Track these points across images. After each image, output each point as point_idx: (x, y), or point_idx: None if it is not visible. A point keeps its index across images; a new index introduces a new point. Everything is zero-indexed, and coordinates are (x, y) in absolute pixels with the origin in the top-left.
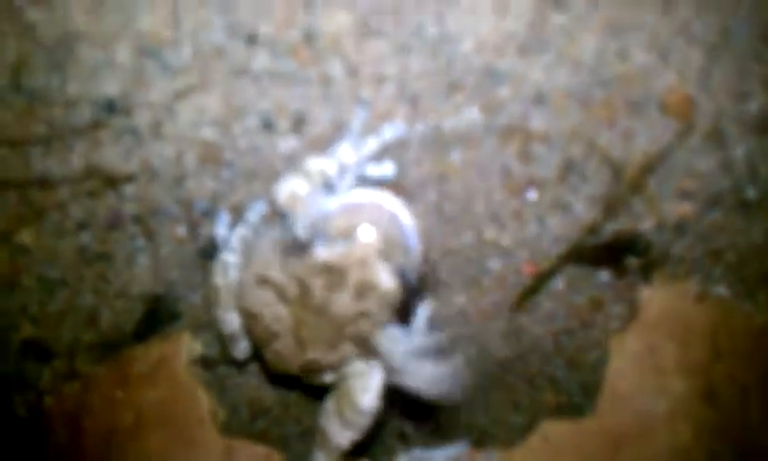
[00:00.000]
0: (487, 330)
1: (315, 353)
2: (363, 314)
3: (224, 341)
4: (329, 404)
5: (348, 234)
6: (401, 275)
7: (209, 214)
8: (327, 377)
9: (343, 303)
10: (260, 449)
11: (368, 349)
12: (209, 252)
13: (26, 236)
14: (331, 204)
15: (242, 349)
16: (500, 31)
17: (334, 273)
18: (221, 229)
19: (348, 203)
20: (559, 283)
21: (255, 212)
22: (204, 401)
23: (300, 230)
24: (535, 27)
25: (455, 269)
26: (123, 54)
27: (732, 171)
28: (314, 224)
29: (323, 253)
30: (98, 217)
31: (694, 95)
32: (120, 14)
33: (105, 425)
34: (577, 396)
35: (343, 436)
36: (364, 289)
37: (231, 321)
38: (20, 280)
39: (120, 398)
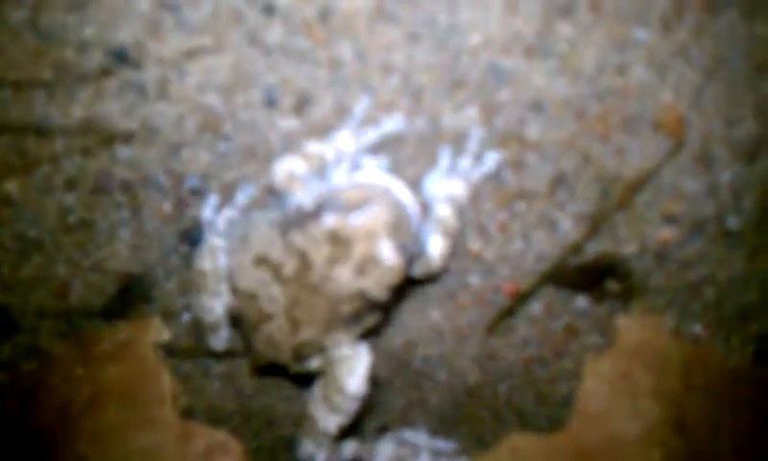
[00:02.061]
0: (459, 352)
1: (308, 334)
2: (361, 293)
3: (199, 333)
4: (317, 390)
5: (357, 207)
6: (406, 256)
7: (198, 193)
8: (314, 364)
9: (343, 278)
10: (219, 435)
11: (360, 330)
12: (192, 236)
13: (13, 186)
14: (340, 179)
15: (221, 338)
16: (508, 30)
17: (340, 243)
18: (207, 211)
19: (358, 180)
20: (536, 307)
21: (244, 195)
22: (167, 382)
23: (306, 200)
24: (541, 31)
25: (434, 280)
26: (143, 2)
27: (717, 197)
28: (322, 195)
29: (331, 220)
30: (87, 178)
31: (687, 115)
32: None
33: (60, 400)
34: (544, 432)
35: (330, 421)
36: (367, 264)
37: (215, 308)
38: None
39: (79, 374)
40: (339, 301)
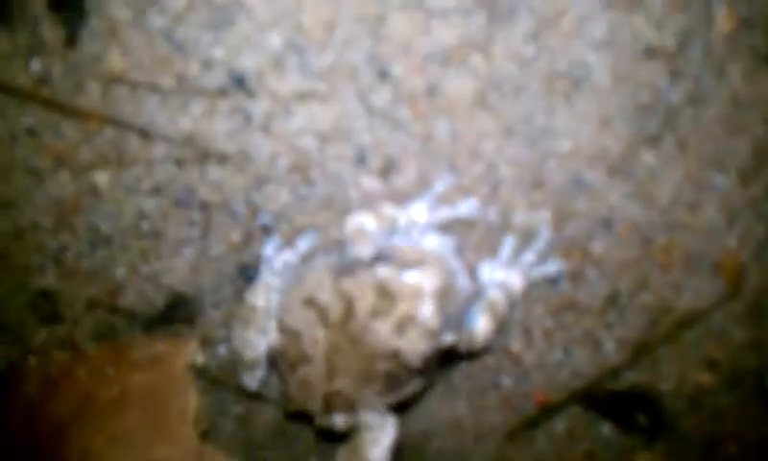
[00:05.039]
0: (475, 452)
1: (342, 384)
2: (395, 352)
3: (233, 368)
4: (340, 454)
5: (412, 265)
6: (446, 324)
7: (268, 230)
8: (339, 423)
9: (382, 332)
10: None
11: (390, 399)
12: (250, 271)
13: (102, 178)
14: (401, 239)
15: (256, 377)
16: (597, 144)
17: (386, 296)
18: (269, 250)
19: (418, 243)
20: (560, 424)
21: (306, 241)
22: (193, 400)
23: (365, 251)
24: (626, 154)
25: (467, 372)
26: (274, 39)
27: (761, 353)
28: (381, 249)
29: (384, 271)
30: (173, 189)
31: (747, 265)
32: (287, 2)
33: (83, 393)
34: None
35: None
36: (407, 323)
37: (259, 345)
38: (73, 221)
39: (108, 373)
40: (374, 356)
